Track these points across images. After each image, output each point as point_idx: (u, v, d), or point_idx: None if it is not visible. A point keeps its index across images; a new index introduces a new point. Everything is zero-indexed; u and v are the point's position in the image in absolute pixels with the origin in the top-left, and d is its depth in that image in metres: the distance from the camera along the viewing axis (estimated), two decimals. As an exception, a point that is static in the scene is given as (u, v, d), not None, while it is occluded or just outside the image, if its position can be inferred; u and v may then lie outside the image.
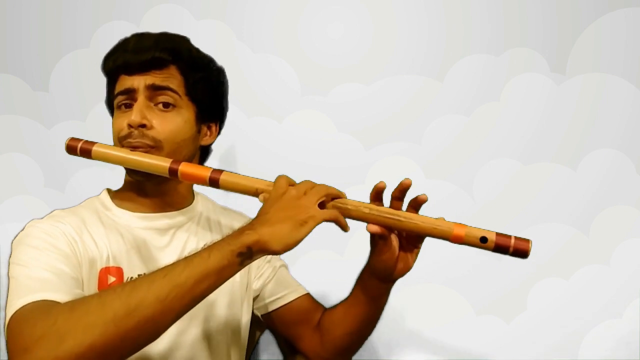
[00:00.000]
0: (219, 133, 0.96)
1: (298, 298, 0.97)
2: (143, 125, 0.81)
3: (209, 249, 0.65)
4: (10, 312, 0.65)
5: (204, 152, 0.96)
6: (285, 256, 1.03)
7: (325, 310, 0.95)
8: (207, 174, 0.78)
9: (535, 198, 1.23)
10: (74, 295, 0.68)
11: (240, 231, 0.67)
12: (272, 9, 1.27)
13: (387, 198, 0.77)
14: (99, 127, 1.33)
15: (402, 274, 0.80)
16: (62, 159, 1.34)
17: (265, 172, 1.35)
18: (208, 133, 0.92)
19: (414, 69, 1.25)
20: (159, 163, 0.80)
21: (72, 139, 0.86)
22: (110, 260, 0.81)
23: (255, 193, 0.76)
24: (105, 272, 0.80)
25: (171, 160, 0.80)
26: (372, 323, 0.90)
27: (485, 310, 1.23)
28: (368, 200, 0.77)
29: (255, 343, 1.08)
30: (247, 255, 0.66)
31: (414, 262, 0.80)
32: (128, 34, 0.88)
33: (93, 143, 0.84)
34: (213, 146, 0.98)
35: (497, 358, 1.22)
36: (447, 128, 1.24)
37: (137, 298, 0.60)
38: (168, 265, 0.64)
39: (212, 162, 1.01)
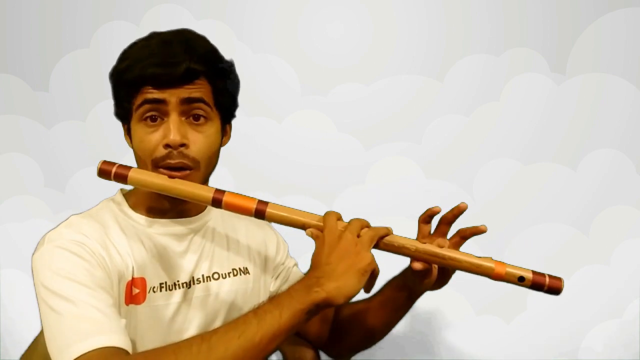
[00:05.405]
0: None
1: None
2: (183, 145, 0.77)
3: (279, 306, 0.66)
4: (68, 358, 0.64)
5: None
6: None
7: (345, 307, 0.96)
8: (252, 205, 0.76)
9: (535, 198, 1.23)
10: (124, 331, 0.68)
11: (308, 287, 0.67)
12: (272, 9, 1.27)
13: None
14: (99, 127, 1.34)
15: (438, 289, 0.83)
16: (62, 159, 1.35)
17: (265, 172, 1.37)
18: (226, 136, 0.90)
19: (414, 69, 1.25)
20: (202, 193, 0.77)
21: (105, 162, 0.78)
22: (135, 272, 0.79)
23: (302, 227, 0.76)
24: (130, 284, 0.79)
25: (214, 189, 0.77)
26: (391, 327, 0.92)
27: (485, 310, 1.23)
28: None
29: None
30: (315, 311, 0.67)
31: (450, 278, 0.82)
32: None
33: (129, 168, 0.78)
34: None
35: (497, 358, 1.22)
36: (447, 128, 1.24)
37: None
38: (240, 322, 0.65)
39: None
